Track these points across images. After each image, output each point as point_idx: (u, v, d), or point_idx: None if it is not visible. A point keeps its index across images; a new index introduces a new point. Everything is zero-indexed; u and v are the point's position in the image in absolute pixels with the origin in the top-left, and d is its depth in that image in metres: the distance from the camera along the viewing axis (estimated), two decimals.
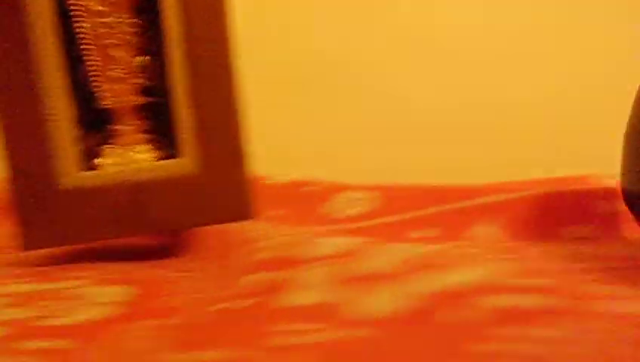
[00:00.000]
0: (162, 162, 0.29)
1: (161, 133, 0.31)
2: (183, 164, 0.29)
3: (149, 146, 0.30)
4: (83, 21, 0.28)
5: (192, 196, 0.29)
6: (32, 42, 0.26)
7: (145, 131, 0.31)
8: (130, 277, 0.25)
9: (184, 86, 0.28)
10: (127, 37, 0.29)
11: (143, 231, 0.28)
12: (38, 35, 0.26)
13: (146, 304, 0.22)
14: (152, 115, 0.31)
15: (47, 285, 0.24)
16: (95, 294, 0.23)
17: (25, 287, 0.24)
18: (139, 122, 0.31)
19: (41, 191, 0.27)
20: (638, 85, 0.27)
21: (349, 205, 0.36)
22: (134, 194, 0.28)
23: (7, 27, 0.26)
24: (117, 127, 0.30)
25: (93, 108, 0.30)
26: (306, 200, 0.38)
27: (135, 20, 0.29)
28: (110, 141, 0.30)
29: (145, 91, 0.30)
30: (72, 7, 0.28)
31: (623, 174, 0.27)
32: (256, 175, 0.41)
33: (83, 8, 0.28)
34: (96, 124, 0.31)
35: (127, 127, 0.30)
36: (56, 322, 0.20)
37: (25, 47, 0.26)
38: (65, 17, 0.28)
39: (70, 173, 0.28)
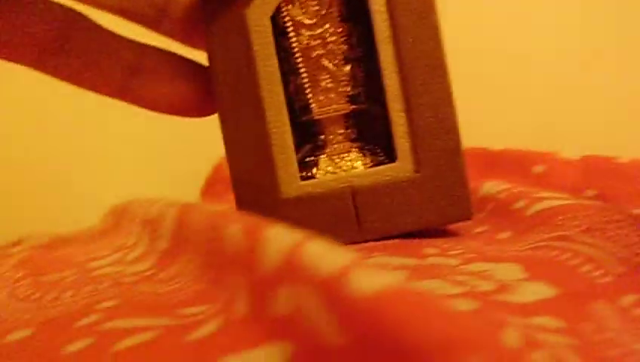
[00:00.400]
0: (377, 168, 0.28)
1: (372, 139, 0.31)
2: (399, 167, 0.28)
3: (361, 153, 0.30)
4: (295, 35, 0.29)
5: (410, 199, 0.27)
6: (254, 58, 0.28)
7: (355, 139, 0.31)
8: (485, 255, 0.23)
9: (396, 90, 0.28)
10: (336, 46, 0.29)
11: (362, 237, 0.28)
12: (258, 51, 0.28)
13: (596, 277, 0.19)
14: (362, 121, 0.31)
15: (416, 260, 0.23)
16: (492, 270, 0.21)
17: (399, 261, 0.23)
18: (349, 130, 0.31)
19: (265, 201, 0.28)
20: None
21: None
22: (353, 201, 0.28)
23: (233, 45, 0.28)
24: (328, 137, 0.30)
25: (305, 120, 0.31)
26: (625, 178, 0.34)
27: (343, 29, 0.29)
28: (323, 151, 0.30)
29: (354, 99, 0.30)
30: (285, 23, 0.29)
31: None
32: (537, 151, 0.39)
33: (295, 23, 0.29)
34: (308, 135, 0.31)
35: (339, 136, 0.30)
36: (514, 298, 0.18)
37: (247, 63, 0.28)
38: (278, 33, 0.29)
39: (291, 182, 0.28)
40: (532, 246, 0.24)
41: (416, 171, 0.28)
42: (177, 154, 0.70)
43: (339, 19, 0.29)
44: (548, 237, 0.25)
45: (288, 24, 0.29)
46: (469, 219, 0.28)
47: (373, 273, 0.12)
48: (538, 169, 0.39)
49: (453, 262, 0.22)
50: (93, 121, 0.69)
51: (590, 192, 0.35)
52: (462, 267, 0.22)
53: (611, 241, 0.22)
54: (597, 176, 0.36)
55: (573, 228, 0.25)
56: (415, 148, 0.27)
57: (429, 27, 0.27)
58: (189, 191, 0.63)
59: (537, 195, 0.30)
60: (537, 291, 0.19)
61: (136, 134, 0.73)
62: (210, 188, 0.62)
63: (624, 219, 0.23)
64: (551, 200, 0.29)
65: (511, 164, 0.40)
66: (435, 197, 0.27)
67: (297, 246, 0.14)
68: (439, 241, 0.27)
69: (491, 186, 0.35)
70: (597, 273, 0.20)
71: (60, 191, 0.68)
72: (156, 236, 0.27)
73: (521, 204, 0.30)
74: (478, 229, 0.31)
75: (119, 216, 0.38)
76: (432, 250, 0.24)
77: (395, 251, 0.25)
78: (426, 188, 0.27)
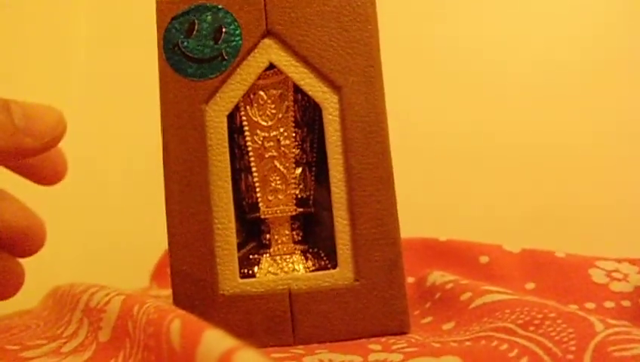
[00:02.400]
0: (317, 273, 0.29)
1: (317, 243, 0.31)
2: (339, 275, 0.28)
3: (304, 256, 0.30)
4: (251, 135, 0.30)
5: (347, 307, 0.27)
6: (207, 153, 0.28)
7: (300, 241, 0.31)
8: (427, 348, 0.24)
9: (342, 198, 0.28)
10: (289, 150, 0.30)
11: (296, 341, 0.27)
12: (212, 146, 0.29)
13: None
14: (308, 225, 0.32)
15: (360, 358, 0.23)
16: None
17: (342, 358, 0.23)
18: (294, 232, 0.31)
19: (202, 296, 0.28)
20: None
21: None
22: (289, 305, 0.28)
23: (188, 138, 0.28)
24: (274, 237, 0.31)
25: (251, 218, 0.31)
26: None
27: (297, 134, 0.30)
28: (267, 250, 0.31)
29: (302, 202, 0.31)
30: (243, 123, 0.30)
31: None
32: (482, 242, 0.41)
33: (252, 123, 0.30)
34: (254, 233, 0.32)
35: (283, 237, 0.31)
36: None
37: (200, 157, 0.28)
38: (235, 130, 0.30)
39: (230, 279, 0.28)
40: (474, 336, 0.25)
41: (356, 280, 0.28)
42: (130, 236, 0.69)
43: (294, 124, 0.30)
44: (489, 327, 0.26)
45: (245, 124, 0.30)
46: (405, 332, 0.28)
47: None
48: (484, 259, 0.41)
49: (396, 358, 0.23)
50: (45, 198, 0.68)
51: (530, 285, 0.37)
52: None
53: (546, 337, 0.23)
54: (535, 270, 0.38)
55: (513, 322, 0.26)
56: (356, 257, 0.28)
57: (379, 141, 0.28)
58: (140, 274, 0.62)
59: (482, 288, 0.31)
60: None
61: (89, 212, 0.72)
62: (160, 272, 0.61)
63: (559, 317, 0.24)
64: (494, 294, 0.30)
65: (459, 254, 0.42)
66: (373, 307, 0.27)
67: (229, 353, 0.14)
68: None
69: (438, 276, 0.36)
70: None
71: None
72: (98, 326, 0.26)
73: (466, 296, 0.31)
74: (425, 320, 0.31)
75: (59, 300, 0.37)
76: (375, 346, 0.25)
77: (338, 347, 0.25)
78: (364, 298, 0.27)
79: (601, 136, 0.67)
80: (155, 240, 0.59)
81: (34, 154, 0.27)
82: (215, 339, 0.15)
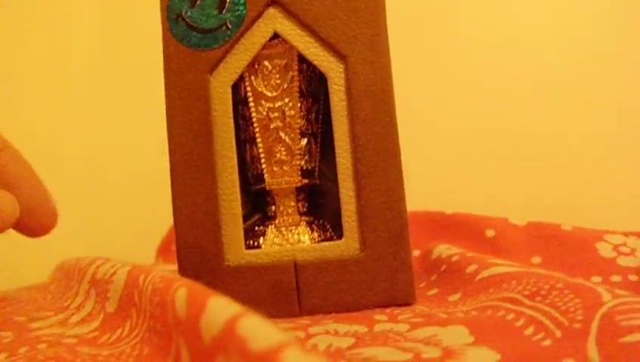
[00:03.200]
0: (323, 244, 0.29)
1: (323, 214, 0.31)
2: (345, 246, 0.28)
3: (309, 227, 0.30)
4: (255, 105, 0.30)
5: (353, 278, 0.28)
6: (212, 124, 0.28)
7: (306, 213, 0.31)
8: (433, 319, 0.24)
9: (348, 169, 0.28)
10: (294, 121, 0.30)
11: (301, 312, 0.28)
12: (217, 117, 0.28)
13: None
14: (314, 196, 0.32)
15: (365, 327, 0.24)
16: (439, 334, 0.22)
17: (347, 328, 0.24)
18: (300, 203, 0.31)
19: (208, 267, 0.28)
20: None
21: None
22: (295, 275, 0.28)
23: (192, 109, 0.28)
24: (279, 208, 0.31)
25: (257, 189, 0.31)
26: None
27: (302, 105, 0.30)
28: (272, 221, 0.31)
29: (307, 173, 0.31)
30: (247, 94, 0.30)
31: None
32: (488, 216, 0.41)
33: (257, 94, 0.30)
34: (260, 204, 0.32)
35: (289, 209, 0.31)
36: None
37: (205, 127, 0.28)
38: (240, 101, 0.30)
39: (236, 250, 0.28)
40: (480, 305, 0.25)
41: (361, 251, 0.28)
42: (136, 211, 0.69)
43: (299, 94, 0.30)
44: (495, 297, 0.26)
45: (250, 94, 0.30)
46: (410, 303, 0.28)
47: (303, 354, 0.12)
48: (490, 233, 0.40)
49: (402, 327, 0.23)
50: (48, 172, 0.68)
51: (536, 259, 0.37)
52: (410, 333, 0.22)
53: (553, 307, 0.23)
54: (542, 243, 0.38)
55: (520, 292, 0.25)
56: (362, 228, 0.28)
57: (385, 111, 0.28)
58: (146, 249, 0.62)
59: (488, 261, 0.31)
60: (481, 356, 0.19)
61: (95, 189, 0.72)
62: (165, 247, 0.61)
63: (566, 287, 0.24)
64: (500, 266, 0.30)
65: (465, 227, 0.42)
66: (378, 278, 0.27)
67: (234, 319, 0.14)
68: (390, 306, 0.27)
69: (444, 249, 0.36)
70: (539, 336, 0.21)
71: (12, 247, 0.65)
72: (105, 297, 0.26)
73: (472, 268, 0.31)
74: (431, 292, 0.31)
75: (66, 273, 0.37)
76: (381, 316, 0.25)
77: (344, 318, 0.25)
78: (370, 269, 0.27)
79: (606, 117, 0.67)
80: (161, 216, 0.59)
81: None
82: (220, 306, 0.15)
